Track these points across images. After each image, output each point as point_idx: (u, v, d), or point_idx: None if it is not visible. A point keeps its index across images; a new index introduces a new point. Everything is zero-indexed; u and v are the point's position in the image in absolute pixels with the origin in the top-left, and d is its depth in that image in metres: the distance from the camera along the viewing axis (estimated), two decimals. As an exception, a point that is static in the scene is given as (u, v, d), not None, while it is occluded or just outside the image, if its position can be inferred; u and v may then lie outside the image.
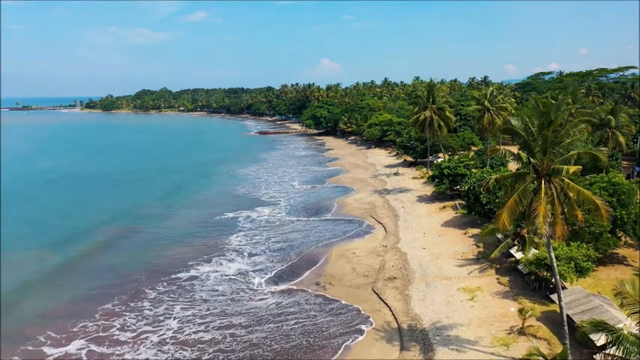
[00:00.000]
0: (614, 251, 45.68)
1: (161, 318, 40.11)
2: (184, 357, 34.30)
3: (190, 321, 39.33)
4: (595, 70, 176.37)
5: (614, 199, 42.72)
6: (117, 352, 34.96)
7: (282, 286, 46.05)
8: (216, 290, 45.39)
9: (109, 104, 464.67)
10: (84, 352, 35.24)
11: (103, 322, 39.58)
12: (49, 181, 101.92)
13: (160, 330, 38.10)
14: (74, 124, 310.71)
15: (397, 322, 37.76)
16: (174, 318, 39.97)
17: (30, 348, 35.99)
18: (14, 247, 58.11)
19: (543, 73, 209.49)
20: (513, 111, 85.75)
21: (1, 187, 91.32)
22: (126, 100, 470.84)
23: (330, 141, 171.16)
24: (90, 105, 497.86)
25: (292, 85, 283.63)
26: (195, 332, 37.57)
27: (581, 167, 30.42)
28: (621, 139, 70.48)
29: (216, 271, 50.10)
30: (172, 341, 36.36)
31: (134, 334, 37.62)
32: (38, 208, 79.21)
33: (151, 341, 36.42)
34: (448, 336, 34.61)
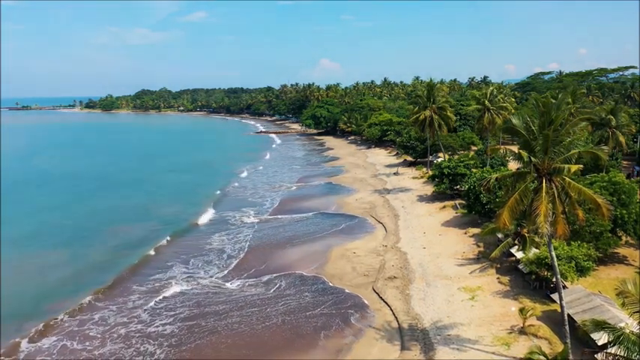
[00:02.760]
0: (615, 251, 45.66)
1: (136, 311, 41.03)
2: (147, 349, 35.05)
3: (160, 314, 40.44)
4: (595, 70, 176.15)
5: (614, 199, 42.68)
6: (87, 348, 35.39)
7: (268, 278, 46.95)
8: (197, 286, 46.11)
9: (108, 104, 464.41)
10: (57, 347, 35.63)
11: (80, 316, 40.22)
12: (52, 182, 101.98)
13: (131, 323, 38.91)
14: (75, 124, 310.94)
15: (398, 321, 37.73)
16: (145, 310, 41.12)
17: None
18: (19, 246, 58.17)
19: (543, 73, 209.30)
20: (513, 110, 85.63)
21: (7, 188, 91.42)
22: (125, 100, 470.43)
23: (329, 141, 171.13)
24: (89, 105, 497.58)
25: (292, 85, 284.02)
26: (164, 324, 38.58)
27: (582, 166, 30.38)
28: (621, 138, 70.42)
29: (199, 268, 50.63)
30: (139, 335, 37.18)
31: (106, 327, 38.30)
32: (40, 208, 78.85)
33: (119, 334, 37.14)
34: (449, 335, 34.57)
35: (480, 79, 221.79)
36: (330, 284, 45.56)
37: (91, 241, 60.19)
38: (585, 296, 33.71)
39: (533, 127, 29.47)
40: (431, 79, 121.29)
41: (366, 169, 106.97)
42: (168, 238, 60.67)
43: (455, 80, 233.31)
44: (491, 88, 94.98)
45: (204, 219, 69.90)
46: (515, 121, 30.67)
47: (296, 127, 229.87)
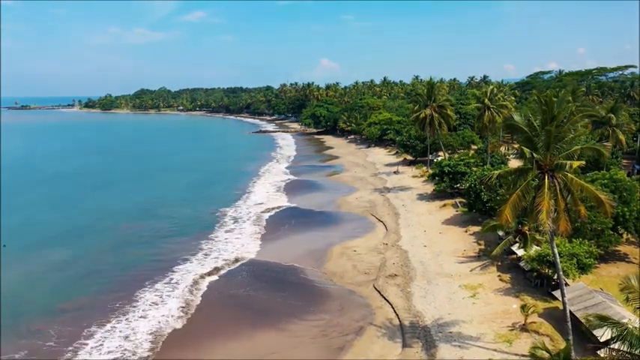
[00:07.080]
0: (616, 248, 45.59)
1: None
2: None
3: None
4: (594, 69, 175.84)
5: (615, 196, 42.56)
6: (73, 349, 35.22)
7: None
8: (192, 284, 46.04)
9: (107, 104, 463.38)
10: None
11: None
12: (59, 181, 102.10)
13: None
14: (76, 123, 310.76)
15: (399, 318, 37.67)
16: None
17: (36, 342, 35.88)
18: (26, 245, 57.69)
19: (542, 73, 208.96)
20: (513, 109, 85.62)
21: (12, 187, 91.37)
22: (125, 100, 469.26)
23: (329, 140, 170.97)
24: (89, 104, 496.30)
25: (291, 84, 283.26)
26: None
27: (583, 162, 30.35)
28: (621, 137, 70.45)
29: (192, 265, 50.58)
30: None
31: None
32: (45, 208, 78.86)
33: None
34: (450, 332, 34.51)
35: (479, 79, 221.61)
36: (331, 281, 45.55)
37: (89, 240, 59.97)
38: (587, 293, 33.70)
39: (535, 124, 29.42)
40: (431, 78, 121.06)
41: (366, 168, 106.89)
42: (168, 234, 60.44)
43: (454, 80, 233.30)
44: (491, 86, 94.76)
45: (216, 215, 70.00)
46: (516, 117, 30.68)
47: (295, 126, 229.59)
